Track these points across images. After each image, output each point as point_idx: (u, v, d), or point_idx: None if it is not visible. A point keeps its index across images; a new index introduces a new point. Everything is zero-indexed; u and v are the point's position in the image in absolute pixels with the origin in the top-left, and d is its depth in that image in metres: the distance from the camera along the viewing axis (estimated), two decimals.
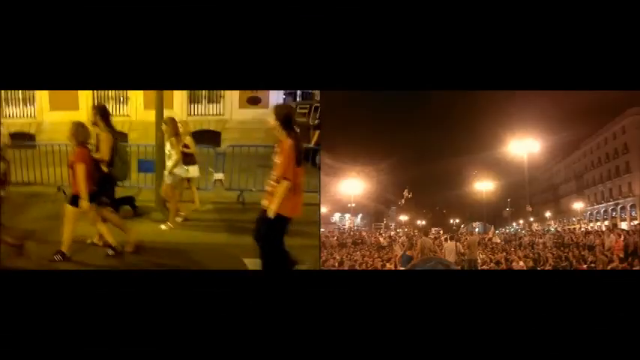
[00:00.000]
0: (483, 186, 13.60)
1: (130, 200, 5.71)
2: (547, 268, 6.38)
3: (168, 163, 5.34)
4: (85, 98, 11.22)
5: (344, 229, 13.59)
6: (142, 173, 6.40)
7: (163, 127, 5.32)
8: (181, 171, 5.46)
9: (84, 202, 3.88)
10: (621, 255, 6.55)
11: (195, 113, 11.57)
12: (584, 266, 6.21)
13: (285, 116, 3.24)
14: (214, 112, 11.63)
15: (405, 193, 16.25)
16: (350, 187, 13.42)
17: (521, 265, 6.44)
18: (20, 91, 12.32)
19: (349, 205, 14.05)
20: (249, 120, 10.78)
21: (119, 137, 4.68)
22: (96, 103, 10.48)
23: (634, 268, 5.83)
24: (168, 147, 5.34)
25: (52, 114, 11.42)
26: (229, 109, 11.28)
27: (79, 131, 4.05)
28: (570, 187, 13.98)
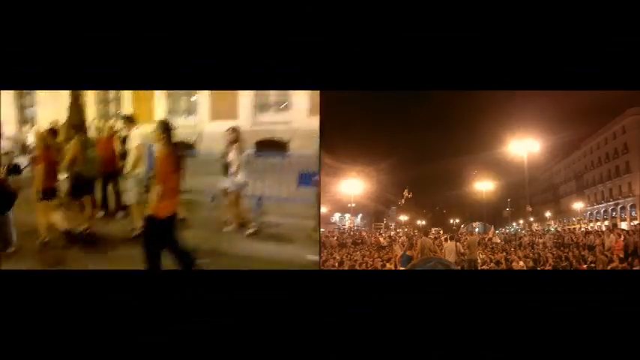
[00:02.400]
0: (483, 186, 13.60)
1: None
2: (547, 268, 6.37)
3: (232, 169, 5.75)
4: (243, 107, 11.92)
5: (344, 229, 13.59)
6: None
7: (228, 135, 5.78)
8: (241, 178, 5.84)
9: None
10: (621, 255, 6.55)
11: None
12: (584, 266, 6.20)
13: (164, 129, 3.81)
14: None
15: (405, 193, 16.25)
16: (350, 187, 13.41)
17: (521, 265, 6.43)
18: (182, 102, 13.18)
19: (349, 205, 14.05)
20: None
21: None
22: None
23: (634, 268, 5.84)
24: (231, 155, 5.74)
25: (212, 124, 11.87)
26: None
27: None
28: (570, 187, 13.97)
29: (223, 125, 6.70)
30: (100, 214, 6.22)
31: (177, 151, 3.99)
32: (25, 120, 16.11)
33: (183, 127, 12.81)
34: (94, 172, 5.65)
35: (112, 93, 15.24)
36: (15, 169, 6.99)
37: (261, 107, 12.19)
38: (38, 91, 15.83)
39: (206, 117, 12.70)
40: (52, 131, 5.80)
